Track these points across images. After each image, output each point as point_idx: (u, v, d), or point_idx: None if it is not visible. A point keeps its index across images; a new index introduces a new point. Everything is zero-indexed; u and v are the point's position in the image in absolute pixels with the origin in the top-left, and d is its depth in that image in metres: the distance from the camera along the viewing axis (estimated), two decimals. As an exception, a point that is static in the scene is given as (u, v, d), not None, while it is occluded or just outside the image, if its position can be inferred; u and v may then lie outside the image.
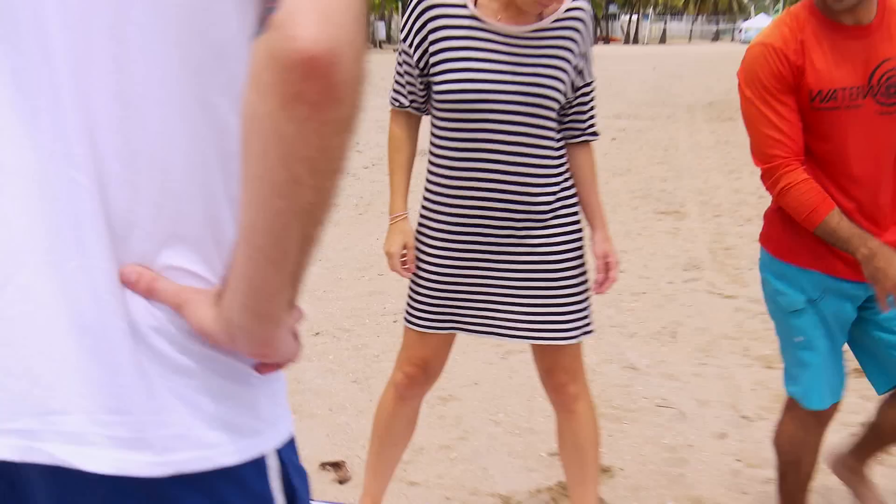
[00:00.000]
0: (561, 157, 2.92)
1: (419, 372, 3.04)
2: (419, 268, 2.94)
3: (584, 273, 2.95)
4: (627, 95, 25.27)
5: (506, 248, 2.88)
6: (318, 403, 4.54)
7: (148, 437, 1.22)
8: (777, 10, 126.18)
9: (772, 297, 2.93)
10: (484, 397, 4.65)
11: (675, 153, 13.84)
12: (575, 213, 2.96)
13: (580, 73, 2.90)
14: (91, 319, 1.22)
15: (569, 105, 2.90)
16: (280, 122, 1.05)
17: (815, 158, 2.66)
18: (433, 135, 2.91)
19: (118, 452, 1.20)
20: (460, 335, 3.02)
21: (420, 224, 2.94)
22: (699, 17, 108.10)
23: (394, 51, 3.11)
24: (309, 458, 3.90)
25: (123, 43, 1.20)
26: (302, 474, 1.41)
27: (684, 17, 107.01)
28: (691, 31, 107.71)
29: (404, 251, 2.93)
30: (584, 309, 2.93)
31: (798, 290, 2.79)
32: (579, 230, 2.95)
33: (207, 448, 1.24)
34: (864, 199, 2.62)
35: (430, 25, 2.80)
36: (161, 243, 1.23)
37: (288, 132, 1.06)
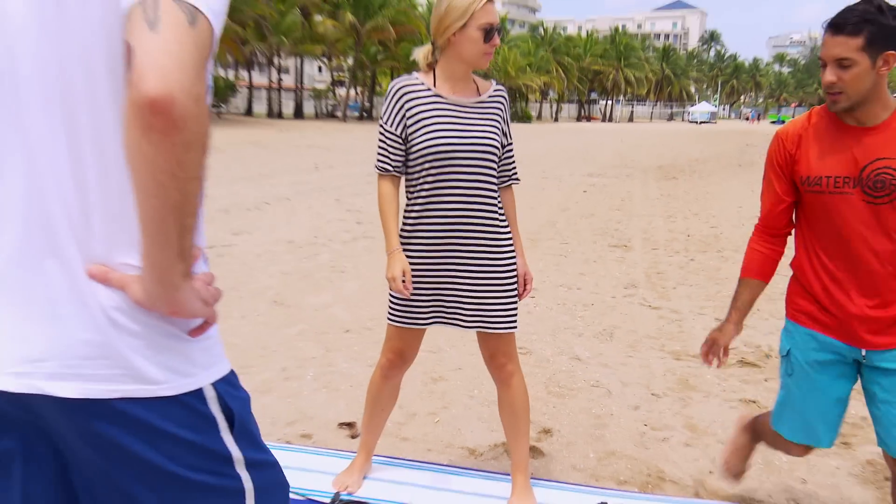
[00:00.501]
0: (499, 195, 2.96)
1: (397, 357, 3.06)
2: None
3: (515, 285, 2.96)
4: (599, 160, 24.99)
5: (461, 264, 2.89)
6: (342, 381, 4.53)
7: (104, 374, 1.33)
8: (716, 100, 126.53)
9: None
10: (465, 379, 4.64)
11: (629, 202, 13.74)
12: (510, 241, 2.97)
13: (505, 134, 2.96)
14: (67, 299, 1.33)
15: (500, 158, 2.95)
16: (142, 146, 1.17)
17: (813, 231, 2.54)
18: (409, 183, 2.93)
19: (82, 385, 1.32)
20: (447, 331, 3.02)
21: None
22: (658, 103, 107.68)
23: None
24: (332, 420, 4.01)
25: (88, 100, 1.31)
26: (240, 400, 1.49)
27: (647, 102, 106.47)
28: (652, 112, 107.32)
29: (404, 275, 2.90)
30: (515, 311, 2.95)
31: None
32: (513, 255, 2.97)
33: (153, 384, 1.35)
34: (841, 271, 2.45)
35: (406, 105, 2.85)
36: (112, 247, 1.33)
37: (149, 152, 1.17)
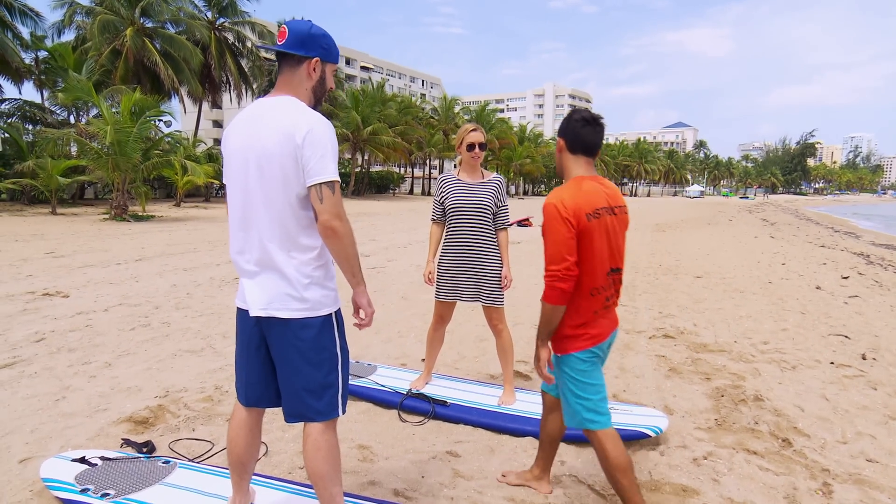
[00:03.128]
0: (494, 232, 3.27)
1: (439, 318, 3.42)
2: (438, 276, 3.33)
3: (499, 280, 3.24)
4: None
5: (472, 268, 3.24)
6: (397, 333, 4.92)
7: (295, 307, 1.84)
8: (704, 183, 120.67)
9: None
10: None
11: (628, 245, 13.37)
12: (498, 256, 3.25)
13: (499, 200, 3.26)
14: (278, 279, 1.84)
15: (496, 213, 3.26)
16: (326, 242, 1.78)
17: None
18: (447, 225, 3.31)
19: (287, 311, 1.85)
20: (460, 306, 3.22)
21: (439, 260, 3.33)
22: (666, 185, 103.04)
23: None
24: (418, 356, 4.33)
25: (278, 195, 1.81)
26: (341, 318, 1.95)
27: (659, 184, 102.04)
28: (662, 191, 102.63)
29: (430, 275, 3.33)
30: (501, 294, 3.25)
31: None
32: (500, 265, 3.25)
33: (318, 311, 1.85)
34: None
35: (443, 185, 3.30)
36: (289, 251, 1.85)
37: (331, 244, 1.79)
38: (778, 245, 14.58)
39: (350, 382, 3.54)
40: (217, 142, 62.48)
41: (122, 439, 2.80)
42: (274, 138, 1.77)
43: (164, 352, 4.38)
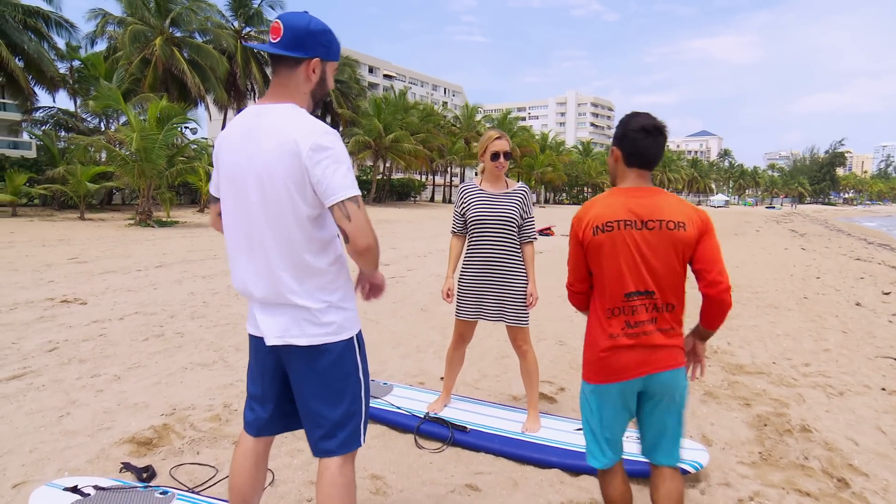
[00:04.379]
0: (519, 246, 3.06)
1: (459, 338, 3.20)
2: (459, 293, 3.12)
3: (524, 299, 3.02)
4: None
5: (495, 284, 3.02)
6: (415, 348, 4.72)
7: (314, 332, 1.68)
8: (729, 192, 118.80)
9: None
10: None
11: None
12: (524, 271, 3.04)
13: (524, 211, 3.06)
14: (290, 308, 1.68)
15: (522, 225, 3.05)
16: (360, 259, 1.64)
17: None
18: (468, 238, 3.10)
19: (312, 336, 1.68)
20: (482, 325, 3.03)
21: (460, 275, 3.12)
22: (690, 194, 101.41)
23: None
24: (436, 374, 4.11)
25: (283, 216, 1.62)
26: (362, 341, 1.79)
27: (683, 193, 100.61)
28: (686, 199, 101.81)
29: (449, 291, 3.10)
30: (526, 313, 3.03)
31: None
32: (525, 281, 3.04)
33: (338, 336, 1.69)
34: None
35: (464, 195, 3.10)
36: (299, 278, 1.68)
37: (363, 262, 1.65)
38: (810, 257, 14.02)
39: (364, 403, 3.36)
40: (242, 149, 63.48)
41: (122, 463, 2.63)
42: (275, 155, 1.57)
43: (175, 364, 4.23)
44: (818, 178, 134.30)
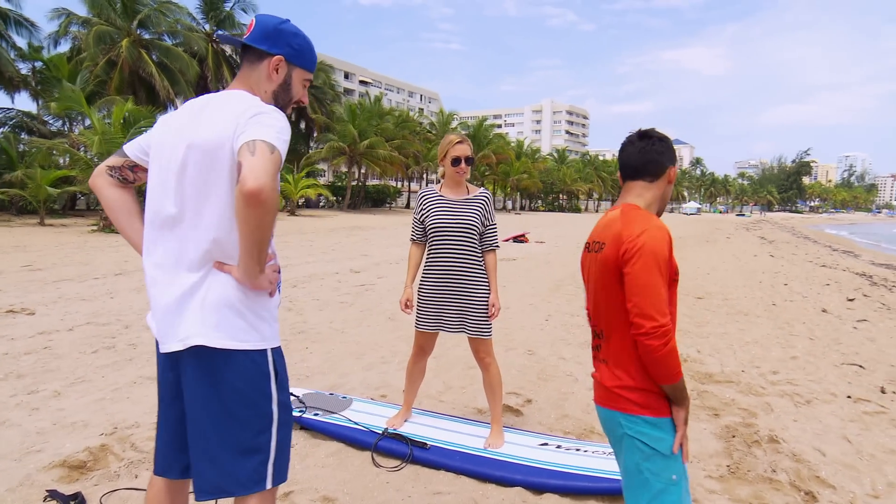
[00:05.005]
0: (481, 254, 2.95)
1: (419, 350, 3.08)
2: (418, 303, 3.00)
3: (486, 308, 2.91)
4: None
5: (456, 294, 2.91)
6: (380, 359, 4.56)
7: (213, 334, 1.46)
8: (700, 200, 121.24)
9: (653, 447, 1.52)
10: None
11: None
12: (485, 280, 2.93)
13: (486, 218, 2.94)
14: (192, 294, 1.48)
15: (483, 232, 2.94)
16: (244, 213, 1.32)
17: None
18: (427, 246, 2.99)
19: (217, 338, 1.46)
20: (449, 335, 2.91)
21: (419, 285, 3.00)
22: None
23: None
24: (399, 387, 3.96)
25: (209, 182, 1.46)
26: (283, 365, 1.59)
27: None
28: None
29: (408, 300, 2.96)
30: (488, 324, 2.92)
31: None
32: (486, 291, 2.93)
33: (242, 342, 1.48)
34: None
35: (423, 202, 2.98)
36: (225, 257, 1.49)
37: (247, 216, 1.33)
38: (778, 264, 14.27)
39: (320, 419, 3.19)
40: (214, 154, 62.38)
41: (48, 491, 2.42)
42: (219, 126, 1.44)
43: (123, 378, 4.00)
44: (786, 187, 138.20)
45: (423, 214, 3.00)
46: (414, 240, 3.06)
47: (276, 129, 1.41)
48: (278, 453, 1.54)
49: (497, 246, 3.02)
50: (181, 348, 1.48)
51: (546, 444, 2.99)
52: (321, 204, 40.60)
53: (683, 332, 6.06)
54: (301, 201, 36.11)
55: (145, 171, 1.65)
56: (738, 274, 11.72)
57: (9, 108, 24.16)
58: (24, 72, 23.34)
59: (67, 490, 2.46)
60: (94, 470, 2.67)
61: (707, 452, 3.13)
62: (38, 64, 24.77)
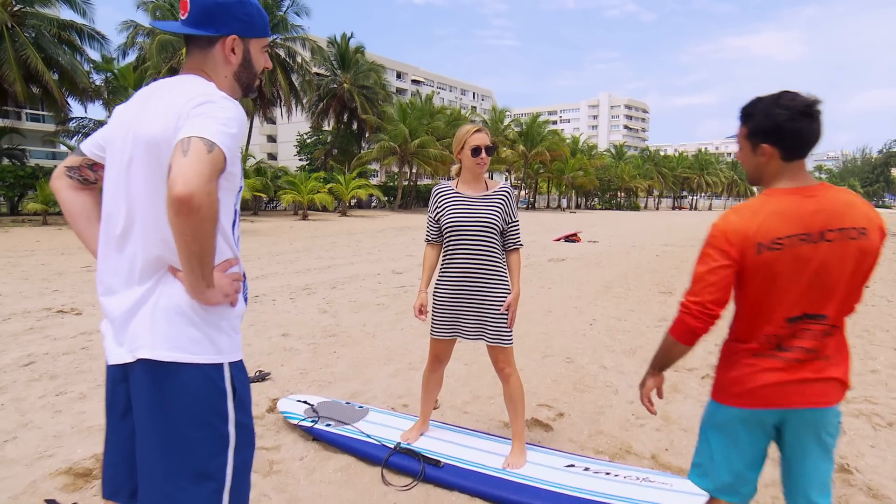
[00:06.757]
0: (502, 255, 2.73)
1: (435, 359, 2.89)
2: (434, 309, 2.81)
3: (506, 315, 2.68)
4: (677, 235, 22.90)
5: (474, 300, 2.70)
6: (408, 365, 4.37)
7: (162, 346, 1.32)
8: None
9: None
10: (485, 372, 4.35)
11: (686, 263, 12.32)
12: (507, 285, 2.72)
13: (508, 216, 2.73)
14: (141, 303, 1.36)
15: (505, 231, 2.74)
16: (175, 221, 1.17)
17: None
18: (444, 247, 2.78)
19: (168, 349, 1.33)
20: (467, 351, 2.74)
21: (435, 289, 2.80)
22: (730, 197, 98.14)
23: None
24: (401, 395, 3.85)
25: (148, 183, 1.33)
26: (244, 382, 1.43)
27: (722, 197, 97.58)
28: (725, 204, 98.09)
29: (422, 306, 2.77)
30: (508, 332, 2.69)
31: None
32: (508, 294, 2.71)
33: (195, 355, 1.34)
34: None
35: (438, 199, 2.79)
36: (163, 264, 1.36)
37: (178, 225, 1.17)
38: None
39: (332, 430, 3.06)
40: (270, 156, 64.52)
41: (45, 501, 2.39)
42: (161, 118, 1.30)
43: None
44: (871, 180, 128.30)
45: (438, 213, 2.80)
46: (429, 240, 2.87)
47: (220, 121, 1.25)
48: (236, 480, 1.39)
49: (521, 245, 2.79)
50: (129, 360, 1.35)
51: (573, 465, 2.72)
52: (373, 204, 41.17)
53: (743, 340, 5.58)
54: (353, 202, 36.73)
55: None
56: (812, 275, 10.84)
57: (83, 117, 25.85)
58: (98, 83, 24.87)
59: (66, 500, 2.42)
60: (98, 478, 2.63)
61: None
62: (110, 74, 26.36)
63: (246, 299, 1.51)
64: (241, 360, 1.44)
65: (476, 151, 2.70)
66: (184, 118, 1.25)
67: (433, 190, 2.85)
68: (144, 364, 1.33)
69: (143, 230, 1.36)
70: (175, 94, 1.33)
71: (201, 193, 1.14)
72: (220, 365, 1.38)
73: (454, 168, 2.86)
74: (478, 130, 2.71)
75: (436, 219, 2.81)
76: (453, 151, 2.79)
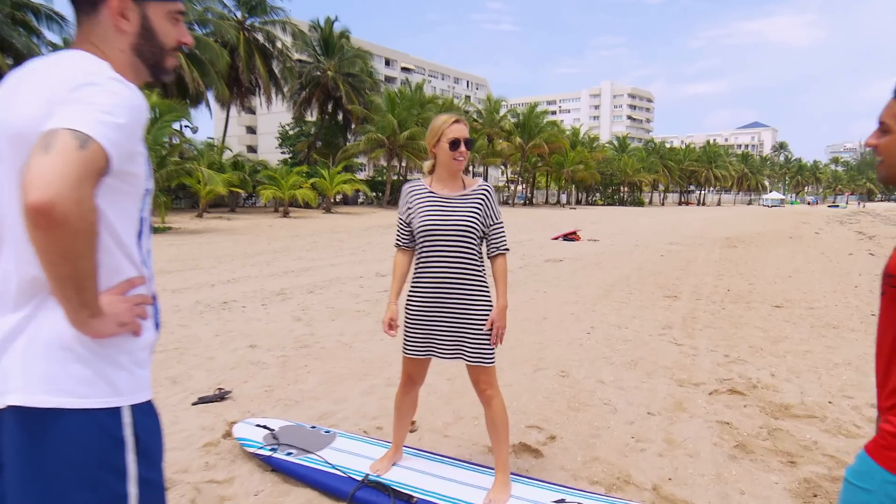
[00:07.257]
0: (482, 262, 2.57)
1: (408, 379, 2.72)
2: (405, 324, 2.64)
3: (489, 331, 2.53)
4: (682, 233, 22.79)
5: (451, 314, 2.53)
6: (385, 380, 4.23)
7: (37, 388, 1.14)
8: (784, 190, 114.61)
9: None
10: (505, 396, 4.21)
11: (692, 264, 12.23)
12: (488, 296, 2.55)
13: (488, 217, 2.57)
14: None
15: (488, 234, 2.58)
16: (34, 238, 1.00)
17: None
18: (416, 254, 2.61)
19: (27, 394, 1.13)
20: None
21: (406, 301, 2.64)
22: (739, 192, 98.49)
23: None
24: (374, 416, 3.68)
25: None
26: (150, 429, 1.25)
27: (731, 191, 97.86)
28: (735, 199, 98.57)
29: (392, 320, 2.60)
30: (490, 350, 2.53)
31: None
32: (490, 307, 2.55)
33: (81, 398, 1.15)
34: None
35: (410, 199, 2.63)
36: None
37: (39, 242, 1.00)
38: (881, 264, 13.07)
39: (293, 460, 2.87)
40: (250, 148, 64.03)
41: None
42: (29, 105, 1.12)
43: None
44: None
45: (409, 214, 2.62)
46: (399, 245, 2.69)
47: (101, 108, 1.06)
48: None
49: (506, 249, 2.62)
50: None
51: (563, 500, 2.55)
52: (359, 200, 40.96)
53: (754, 350, 5.43)
54: (338, 198, 36.50)
55: None
56: (828, 276, 10.75)
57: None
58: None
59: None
60: None
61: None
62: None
63: (158, 325, 1.33)
64: (149, 402, 1.25)
65: (455, 144, 2.52)
66: (58, 104, 1.06)
67: (404, 188, 2.68)
68: (16, 412, 1.14)
69: (16, 245, 1.16)
70: (50, 77, 1.14)
71: (67, 201, 0.95)
72: (117, 409, 1.18)
73: (427, 164, 2.69)
74: (456, 121, 2.54)
75: (407, 221, 2.63)
76: (427, 144, 2.61)
